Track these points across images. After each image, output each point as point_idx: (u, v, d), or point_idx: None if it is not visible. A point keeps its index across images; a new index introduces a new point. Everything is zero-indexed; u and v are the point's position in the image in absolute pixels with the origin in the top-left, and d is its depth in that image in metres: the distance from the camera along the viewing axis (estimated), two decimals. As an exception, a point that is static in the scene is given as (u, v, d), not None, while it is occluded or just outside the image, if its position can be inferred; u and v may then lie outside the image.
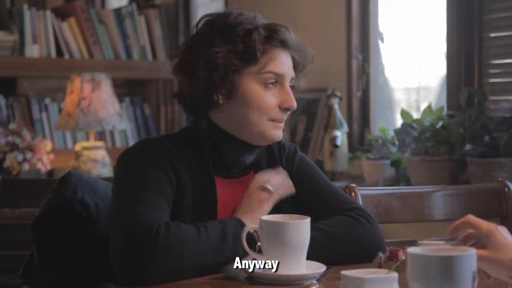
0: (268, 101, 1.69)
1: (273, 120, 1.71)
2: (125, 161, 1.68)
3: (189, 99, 1.73)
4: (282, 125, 1.73)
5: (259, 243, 1.58)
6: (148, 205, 1.58)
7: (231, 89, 1.69)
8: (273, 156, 1.81)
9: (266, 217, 1.54)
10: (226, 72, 1.68)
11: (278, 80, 1.70)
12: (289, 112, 1.73)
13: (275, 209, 1.73)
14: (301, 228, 1.52)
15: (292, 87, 1.75)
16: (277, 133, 1.73)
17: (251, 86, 1.69)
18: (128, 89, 4.75)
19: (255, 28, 1.69)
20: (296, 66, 1.76)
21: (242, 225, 1.59)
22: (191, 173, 1.69)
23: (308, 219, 1.54)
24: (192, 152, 1.71)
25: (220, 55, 1.68)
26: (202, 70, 1.69)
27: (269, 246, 1.52)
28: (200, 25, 1.74)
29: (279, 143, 1.83)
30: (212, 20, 1.73)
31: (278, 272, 1.51)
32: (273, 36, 1.70)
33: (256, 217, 1.61)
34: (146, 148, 1.68)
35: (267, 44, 1.69)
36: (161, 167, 1.65)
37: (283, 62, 1.71)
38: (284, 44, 1.71)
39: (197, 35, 1.74)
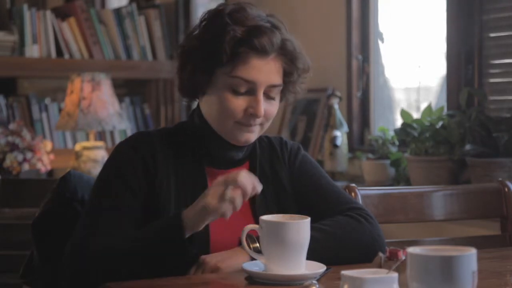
0: (232, 106, 1.67)
1: (239, 123, 1.69)
2: (105, 165, 1.72)
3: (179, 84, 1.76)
4: (253, 129, 1.70)
5: (257, 244, 1.58)
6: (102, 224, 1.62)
7: (202, 86, 1.69)
8: (274, 151, 1.81)
9: (266, 217, 1.54)
10: (193, 70, 1.68)
11: (248, 86, 1.66)
12: (258, 119, 1.68)
13: (277, 208, 1.74)
14: (301, 228, 1.52)
15: (286, 91, 1.74)
16: (243, 136, 1.70)
17: (220, 87, 1.68)
18: (128, 89, 4.75)
19: (232, 28, 1.64)
20: (287, 75, 1.72)
21: (178, 215, 1.57)
22: (180, 166, 1.70)
23: (308, 219, 1.54)
24: (184, 145, 1.73)
25: (188, 50, 1.69)
26: (178, 60, 1.72)
27: (269, 246, 1.52)
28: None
29: (281, 140, 1.83)
30: (210, 11, 1.72)
31: (278, 272, 1.51)
32: (249, 41, 1.65)
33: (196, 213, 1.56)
34: (126, 149, 1.71)
35: (241, 47, 1.64)
36: (132, 173, 1.67)
37: (256, 69, 1.65)
38: (262, 51, 1.65)
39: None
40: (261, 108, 1.67)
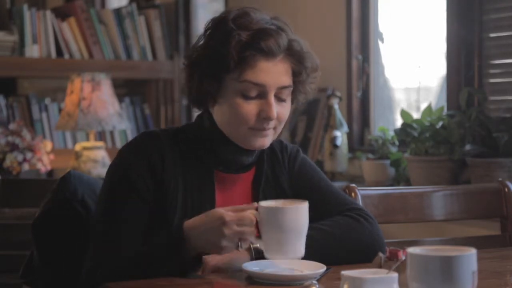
0: (245, 111, 1.65)
1: (253, 129, 1.67)
2: (112, 171, 1.71)
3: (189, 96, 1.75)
4: (267, 133, 1.69)
5: (257, 245, 1.59)
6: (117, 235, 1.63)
7: (212, 94, 1.68)
8: (275, 155, 1.81)
9: (264, 203, 1.55)
10: (202, 77, 1.67)
11: (258, 89, 1.65)
12: (272, 122, 1.67)
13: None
14: (299, 213, 1.53)
15: (297, 92, 1.73)
16: (258, 141, 1.69)
17: (230, 93, 1.66)
18: (128, 89, 4.75)
19: (237, 33, 1.63)
20: (296, 75, 1.70)
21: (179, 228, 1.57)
22: (187, 168, 1.69)
23: (306, 204, 1.54)
24: (192, 147, 1.72)
25: (195, 59, 1.68)
26: (185, 71, 1.71)
27: (267, 231, 1.53)
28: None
29: (281, 143, 1.83)
30: (214, 19, 1.71)
31: (277, 258, 1.52)
32: (255, 44, 1.63)
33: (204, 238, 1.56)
34: (131, 152, 1.70)
35: (247, 51, 1.63)
36: (138, 185, 1.66)
37: (264, 71, 1.64)
38: (269, 54, 1.64)
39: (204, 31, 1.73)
40: (273, 110, 1.65)
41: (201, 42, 1.70)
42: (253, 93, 1.65)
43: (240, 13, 1.68)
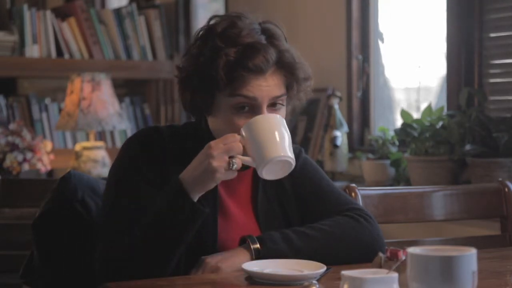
0: (238, 126, 1.64)
1: None
2: (118, 164, 1.71)
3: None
4: None
5: (257, 245, 1.59)
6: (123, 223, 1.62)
7: (206, 108, 1.67)
8: None
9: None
10: (193, 94, 1.66)
11: (251, 103, 1.63)
12: None
13: (279, 209, 1.76)
14: (271, 119, 1.60)
15: (291, 99, 1.71)
16: None
17: (223, 108, 1.65)
18: (128, 89, 4.75)
19: (225, 52, 1.61)
20: (288, 85, 1.68)
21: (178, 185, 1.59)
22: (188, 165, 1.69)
23: (278, 116, 1.63)
24: (193, 145, 1.71)
25: (186, 75, 1.67)
26: (178, 84, 1.71)
27: (251, 146, 1.58)
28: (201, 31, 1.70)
29: None
30: (202, 29, 1.69)
31: (264, 165, 1.57)
32: (243, 63, 1.61)
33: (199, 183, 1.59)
34: (138, 142, 1.71)
35: (236, 72, 1.61)
36: (145, 173, 1.67)
37: (255, 87, 1.62)
38: (258, 71, 1.62)
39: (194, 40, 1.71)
40: None
41: (192, 53, 1.67)
42: (246, 107, 1.64)
43: (228, 23, 1.65)
